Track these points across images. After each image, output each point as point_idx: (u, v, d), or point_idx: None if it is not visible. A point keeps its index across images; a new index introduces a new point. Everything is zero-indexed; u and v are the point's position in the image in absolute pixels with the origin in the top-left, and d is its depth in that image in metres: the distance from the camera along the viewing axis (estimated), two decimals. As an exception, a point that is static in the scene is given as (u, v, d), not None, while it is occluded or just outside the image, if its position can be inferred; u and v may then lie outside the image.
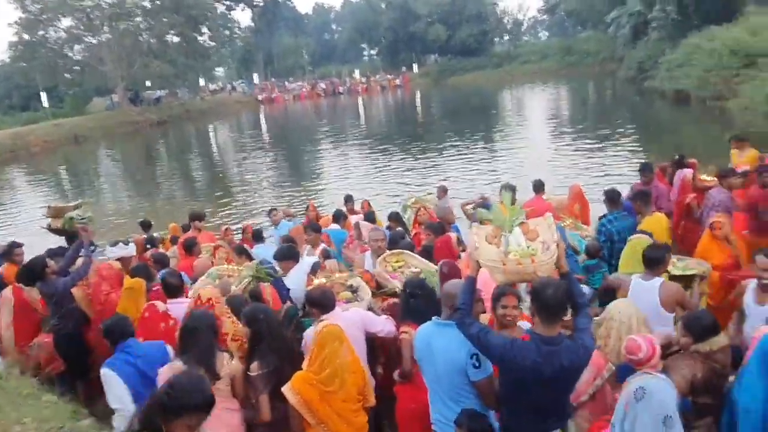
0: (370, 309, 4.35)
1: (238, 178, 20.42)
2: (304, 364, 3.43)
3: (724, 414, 3.05)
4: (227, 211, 14.60)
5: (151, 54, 45.04)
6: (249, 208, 15.00)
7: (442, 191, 8.23)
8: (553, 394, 2.87)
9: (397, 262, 5.17)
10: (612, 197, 5.74)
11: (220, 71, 74.46)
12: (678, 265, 4.58)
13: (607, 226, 5.57)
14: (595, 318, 3.62)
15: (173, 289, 4.49)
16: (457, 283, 3.21)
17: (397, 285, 4.66)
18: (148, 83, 47.79)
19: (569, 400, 3.11)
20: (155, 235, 8.56)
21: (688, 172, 7.05)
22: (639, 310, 3.61)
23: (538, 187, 7.21)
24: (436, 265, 5.17)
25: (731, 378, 3.20)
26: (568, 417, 3.14)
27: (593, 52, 49.02)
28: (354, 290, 4.55)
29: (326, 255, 5.49)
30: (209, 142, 34.64)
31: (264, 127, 40.34)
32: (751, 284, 3.98)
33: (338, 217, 7.48)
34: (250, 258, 5.88)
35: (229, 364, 3.54)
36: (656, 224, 5.32)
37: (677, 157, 7.60)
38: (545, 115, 28.46)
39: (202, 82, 56.95)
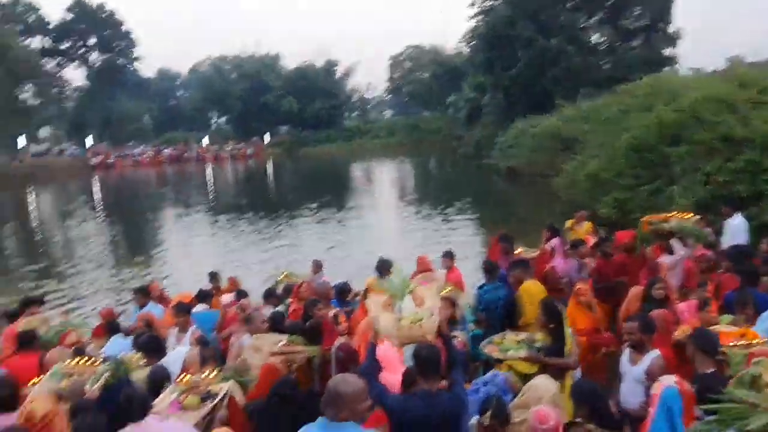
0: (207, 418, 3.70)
1: (65, 254, 18.00)
2: None
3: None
4: (53, 293, 12.62)
5: (-41, 109, 39.31)
6: (80, 288, 13.17)
7: (317, 266, 7.97)
8: None
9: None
10: (489, 269, 5.99)
11: (46, 132, 67.24)
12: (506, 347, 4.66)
13: (484, 296, 5.77)
14: (515, 401, 3.60)
15: (5, 403, 3.48)
16: (351, 383, 2.84)
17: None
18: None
19: None
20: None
21: (555, 242, 7.66)
22: (556, 387, 3.67)
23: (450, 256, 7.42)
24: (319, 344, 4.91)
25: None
26: None
27: (435, 130, 53.74)
28: (209, 397, 3.82)
29: (204, 342, 4.84)
30: (27, 211, 30.37)
31: (98, 195, 36.70)
32: (627, 349, 4.34)
33: (204, 296, 6.80)
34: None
35: None
36: (536, 289, 5.63)
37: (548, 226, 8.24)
38: (393, 187, 30.18)
39: (22, 142, 50.74)
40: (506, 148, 27.96)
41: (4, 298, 11.52)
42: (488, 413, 3.29)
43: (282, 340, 4.73)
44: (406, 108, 74.30)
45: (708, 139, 10.83)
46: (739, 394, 1.67)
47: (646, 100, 16.29)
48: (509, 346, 4.54)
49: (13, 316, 6.53)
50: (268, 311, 6.02)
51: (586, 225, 9.33)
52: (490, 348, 4.54)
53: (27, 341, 5.11)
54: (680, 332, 4.77)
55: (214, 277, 7.95)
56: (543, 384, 3.65)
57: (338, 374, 3.27)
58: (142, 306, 6.79)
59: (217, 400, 3.64)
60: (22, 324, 5.69)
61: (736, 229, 7.54)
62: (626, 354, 4.35)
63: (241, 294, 6.47)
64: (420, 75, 63.84)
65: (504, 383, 4.09)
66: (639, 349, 4.23)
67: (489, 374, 4.32)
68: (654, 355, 4.18)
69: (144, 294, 6.99)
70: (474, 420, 3.44)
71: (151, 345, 4.46)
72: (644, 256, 6.86)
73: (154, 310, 6.54)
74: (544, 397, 3.53)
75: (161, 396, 3.74)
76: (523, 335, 4.71)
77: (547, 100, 30.23)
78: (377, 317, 3.78)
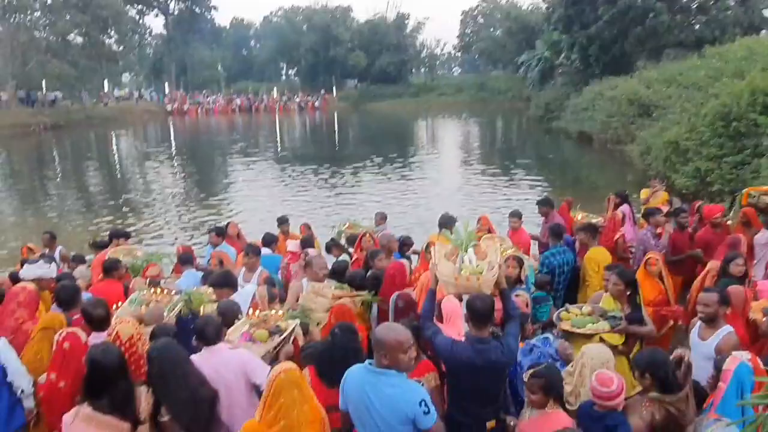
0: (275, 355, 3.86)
1: (143, 193, 19.07)
2: (257, 413, 3.00)
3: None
4: (132, 227, 13.47)
5: (49, 52, 41.56)
6: (155, 225, 14.01)
7: (381, 218, 8.07)
8: (485, 383, 3.46)
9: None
10: (556, 232, 5.87)
11: (127, 78, 70.33)
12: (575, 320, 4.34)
13: (550, 259, 5.67)
14: (568, 368, 3.58)
15: (99, 322, 3.83)
16: (394, 331, 2.96)
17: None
18: (44, 83, 43.92)
19: (502, 395, 3.67)
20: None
21: (625, 209, 7.40)
22: (611, 355, 3.60)
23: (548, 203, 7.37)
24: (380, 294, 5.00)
25: (699, 418, 3.25)
26: (502, 410, 3.63)
27: (504, 90, 52.04)
28: (278, 332, 3.96)
29: (271, 282, 5.08)
30: (111, 151, 32.21)
31: (174, 139, 38.33)
32: (698, 321, 4.17)
33: (269, 240, 7.06)
34: None
35: (147, 401, 3.15)
36: (602, 256, 5.49)
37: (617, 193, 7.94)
38: (460, 146, 29.69)
39: (106, 87, 53.40)
40: (579, 111, 26.73)
41: (88, 231, 12.47)
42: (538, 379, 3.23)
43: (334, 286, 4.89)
44: (476, 66, 72.16)
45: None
46: None
47: (739, 65, 15.07)
48: (584, 321, 4.23)
49: (101, 247, 7.08)
50: (328, 260, 6.18)
51: (662, 195, 8.91)
52: (563, 324, 4.24)
53: (111, 269, 5.51)
54: (756, 309, 4.56)
55: (283, 221, 8.03)
56: (597, 351, 3.55)
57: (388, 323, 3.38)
58: (215, 245, 7.13)
59: (285, 334, 3.83)
60: (109, 254, 6.16)
61: None
62: (696, 328, 4.18)
63: (306, 242, 6.62)
64: (492, 32, 61.49)
65: (555, 351, 4.04)
66: (711, 323, 4.06)
67: (541, 337, 4.24)
68: (727, 330, 4.02)
69: (218, 234, 7.32)
70: (525, 376, 3.44)
71: (224, 280, 4.70)
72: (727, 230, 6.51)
73: (227, 249, 6.89)
74: (598, 364, 3.46)
75: (233, 327, 3.98)
76: (588, 307, 4.48)
77: (627, 61, 28.51)
78: (439, 264, 3.87)
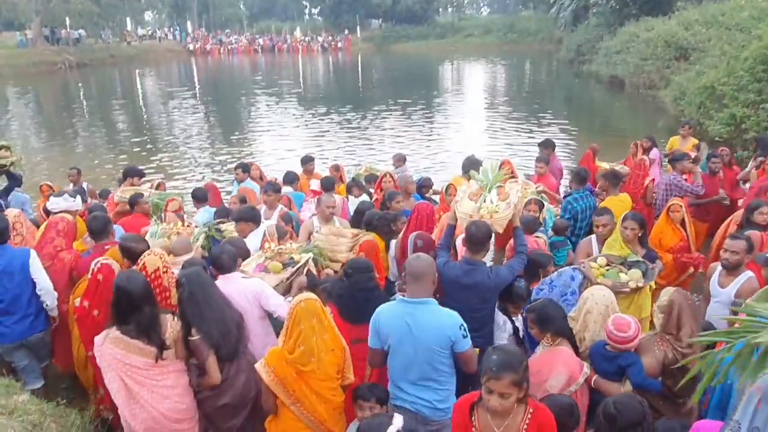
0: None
1: (167, 131, 19.19)
2: (279, 340, 3.16)
3: (714, 394, 3.09)
4: (154, 165, 13.70)
5: (71, -12, 41.04)
6: (179, 162, 14.20)
7: (400, 160, 8.00)
8: (471, 302, 3.76)
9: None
10: (581, 176, 5.77)
11: (149, 16, 69.41)
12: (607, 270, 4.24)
13: (573, 204, 5.60)
14: (571, 313, 3.59)
15: (138, 255, 3.89)
16: (426, 261, 3.17)
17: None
18: (68, 21, 43.64)
19: (491, 324, 3.92)
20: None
21: (654, 154, 7.22)
22: (614, 296, 3.59)
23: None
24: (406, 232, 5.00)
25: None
26: (494, 340, 3.89)
27: (534, 31, 49.96)
28: (291, 264, 4.09)
29: (287, 219, 5.15)
30: (136, 90, 32.21)
31: (197, 79, 38.13)
32: (718, 267, 4.11)
33: (291, 179, 7.11)
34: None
35: (173, 327, 3.30)
36: (620, 204, 5.40)
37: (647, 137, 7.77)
38: (485, 90, 28.96)
39: (129, 25, 52.86)
40: (612, 54, 25.57)
41: (116, 167, 12.69)
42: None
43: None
44: (505, 5, 69.26)
45: None
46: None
47: (788, 4, 14.18)
48: (613, 273, 4.13)
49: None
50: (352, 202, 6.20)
51: (692, 141, 8.64)
52: (605, 282, 4.02)
53: (134, 203, 5.78)
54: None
55: (307, 161, 8.00)
56: (600, 294, 3.53)
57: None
58: (241, 181, 7.34)
59: (297, 266, 3.92)
60: (118, 192, 6.33)
61: None
62: (717, 275, 4.13)
63: (326, 182, 6.61)
64: (524, -32, 58.65)
65: (578, 284, 4.00)
66: (734, 270, 3.99)
67: (555, 273, 4.16)
68: (747, 276, 3.96)
69: (244, 170, 7.50)
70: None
71: (248, 215, 4.82)
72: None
73: (252, 185, 7.05)
74: (602, 308, 3.45)
75: (249, 259, 4.11)
76: (602, 258, 4.33)
77: (667, 1, 26.97)
78: (461, 202, 4.17)
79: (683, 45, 19.32)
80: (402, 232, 4.81)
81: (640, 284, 4.00)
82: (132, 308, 3.16)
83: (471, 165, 6.57)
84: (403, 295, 3.23)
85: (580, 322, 3.52)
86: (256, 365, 3.07)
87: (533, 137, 15.94)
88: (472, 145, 13.90)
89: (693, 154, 7.37)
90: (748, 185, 6.98)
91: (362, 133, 17.36)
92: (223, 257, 3.78)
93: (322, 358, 3.05)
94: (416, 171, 10.30)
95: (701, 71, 15.29)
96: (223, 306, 3.46)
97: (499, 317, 3.98)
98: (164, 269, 3.70)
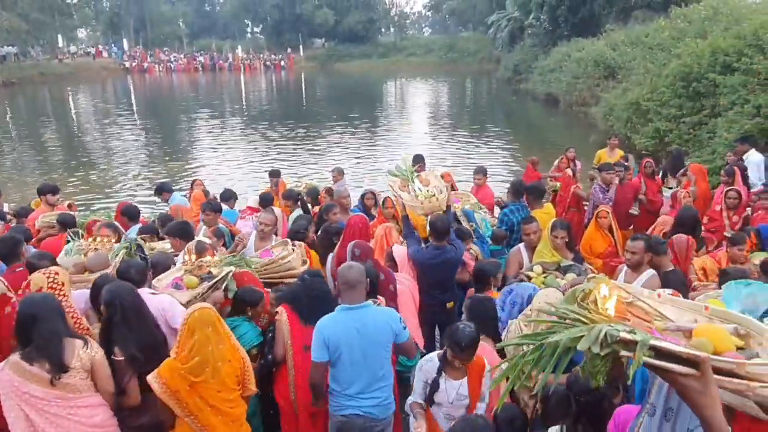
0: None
1: (101, 151, 18.42)
2: (172, 351, 3.04)
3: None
4: (82, 187, 13.10)
5: (-3, 4, 39.19)
6: (114, 180, 13.67)
7: (338, 173, 7.98)
8: (443, 276, 4.71)
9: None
10: (517, 189, 5.91)
11: (82, 33, 66.98)
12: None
13: (510, 216, 5.71)
14: (526, 311, 3.63)
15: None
16: (356, 268, 3.30)
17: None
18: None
19: (454, 284, 4.83)
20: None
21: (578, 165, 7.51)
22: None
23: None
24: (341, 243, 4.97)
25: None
26: (457, 296, 4.80)
27: (473, 51, 51.48)
28: (208, 279, 3.90)
29: (218, 234, 4.98)
30: (68, 109, 30.82)
31: (134, 97, 36.95)
32: (624, 267, 4.41)
33: (228, 196, 6.98)
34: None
35: (84, 352, 3.00)
36: (545, 215, 5.56)
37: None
38: (427, 108, 29.48)
39: (61, 42, 50.83)
40: (547, 72, 26.72)
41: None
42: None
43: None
44: (446, 26, 71.14)
45: (766, 69, 10.09)
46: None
47: (703, 26, 15.19)
48: (553, 280, 4.28)
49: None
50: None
51: (619, 152, 9.06)
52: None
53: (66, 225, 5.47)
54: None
55: (273, 175, 8.09)
56: (550, 294, 3.63)
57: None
58: (164, 201, 7.25)
59: (213, 281, 3.78)
60: (39, 218, 6.03)
61: (756, 166, 7.30)
62: (623, 273, 4.38)
63: (264, 198, 6.52)
64: (463, -9, 60.47)
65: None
66: (636, 269, 4.26)
67: (521, 286, 4.13)
68: (650, 273, 4.19)
69: (166, 190, 7.40)
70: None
71: (177, 230, 4.67)
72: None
73: (182, 202, 6.88)
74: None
75: (167, 273, 3.95)
76: (538, 267, 4.55)
77: (596, 23, 28.40)
78: (401, 195, 5.01)
79: (611, 64, 20.32)
80: (338, 246, 4.76)
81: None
82: (27, 331, 2.91)
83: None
84: None
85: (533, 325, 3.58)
86: (148, 377, 2.93)
87: (474, 152, 16.36)
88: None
89: (627, 164, 7.72)
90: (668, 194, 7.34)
91: (305, 149, 17.28)
92: (130, 272, 3.61)
93: (219, 368, 2.97)
94: (357, 185, 10.30)
95: (627, 88, 16.12)
96: (152, 328, 3.30)
97: None
98: (50, 288, 3.43)
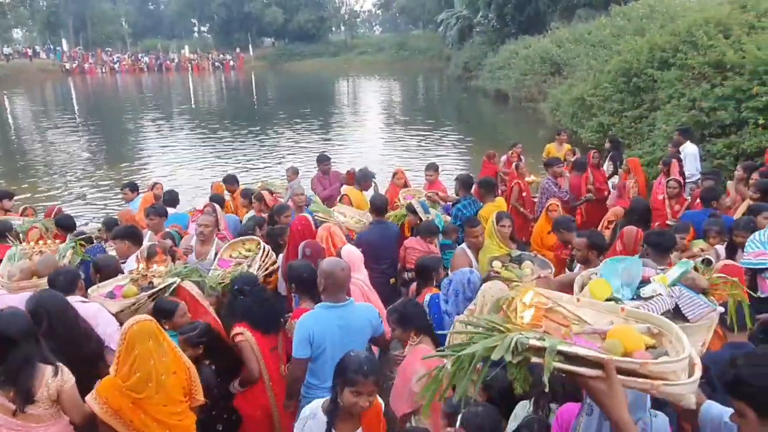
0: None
1: (42, 157, 17.56)
2: (111, 369, 2.88)
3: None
4: (27, 192, 12.46)
5: None
6: (56, 188, 13.05)
7: (293, 173, 7.89)
8: (386, 249, 5.21)
9: (248, 250, 4.75)
10: (465, 182, 5.96)
11: (18, 33, 63.79)
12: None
13: (463, 211, 5.76)
14: (470, 306, 3.63)
15: None
16: (341, 264, 3.37)
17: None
18: None
19: (396, 258, 5.28)
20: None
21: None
22: (508, 290, 3.66)
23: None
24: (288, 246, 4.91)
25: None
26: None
27: (424, 49, 51.97)
28: (148, 289, 3.75)
29: (169, 237, 4.83)
30: (3, 113, 29.32)
31: (75, 99, 35.42)
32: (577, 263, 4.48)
33: (173, 198, 6.77)
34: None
35: (53, 381, 2.77)
36: (496, 208, 5.64)
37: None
38: (379, 106, 29.55)
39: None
40: (496, 69, 27.24)
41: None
42: None
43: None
44: (396, 24, 71.47)
45: (700, 64, 10.58)
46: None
47: (641, 23, 15.81)
48: (515, 272, 4.23)
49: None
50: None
51: (567, 146, 9.33)
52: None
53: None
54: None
55: (228, 181, 7.90)
56: (497, 288, 3.63)
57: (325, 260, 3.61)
58: (128, 201, 7.24)
59: (152, 291, 3.65)
60: None
61: (692, 157, 7.64)
62: (577, 270, 4.43)
63: (215, 199, 6.39)
64: (412, -11, 60.86)
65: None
66: (585, 264, 4.29)
67: (458, 272, 4.10)
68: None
69: (132, 189, 7.41)
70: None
71: (124, 232, 4.53)
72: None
73: (132, 206, 6.83)
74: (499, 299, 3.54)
75: (108, 281, 3.80)
76: (497, 262, 4.40)
77: (541, 21, 29.19)
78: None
79: (557, 61, 20.90)
80: (286, 248, 4.70)
81: (548, 271, 4.22)
82: (7, 349, 2.70)
83: (364, 177, 6.62)
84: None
85: (477, 315, 3.57)
86: (87, 397, 2.78)
87: (427, 148, 16.48)
88: (367, 156, 14.06)
89: (573, 158, 7.94)
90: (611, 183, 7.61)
91: (258, 148, 17.02)
92: (59, 278, 3.44)
93: (163, 382, 2.83)
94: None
95: (573, 84, 16.61)
96: (83, 339, 3.14)
97: None
98: None
